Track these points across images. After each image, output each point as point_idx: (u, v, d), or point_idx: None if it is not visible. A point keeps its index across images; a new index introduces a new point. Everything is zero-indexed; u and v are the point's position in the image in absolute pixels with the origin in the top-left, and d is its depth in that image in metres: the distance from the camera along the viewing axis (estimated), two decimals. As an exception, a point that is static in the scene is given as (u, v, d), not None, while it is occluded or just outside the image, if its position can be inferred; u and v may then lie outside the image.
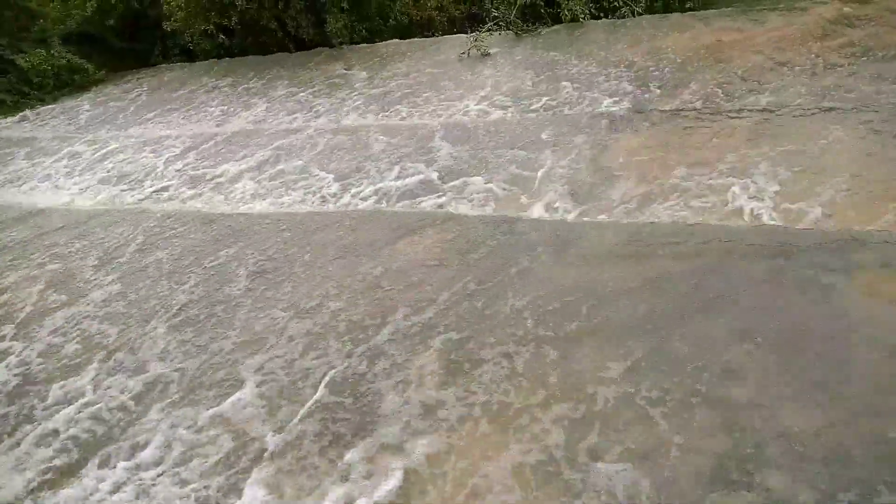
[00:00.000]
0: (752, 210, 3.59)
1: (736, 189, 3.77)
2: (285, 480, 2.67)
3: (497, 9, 7.76)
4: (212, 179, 5.82)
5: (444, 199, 4.55)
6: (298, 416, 2.97)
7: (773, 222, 3.44)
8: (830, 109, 4.30)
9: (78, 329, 3.92)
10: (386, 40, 8.57)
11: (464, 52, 7.22)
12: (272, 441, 2.86)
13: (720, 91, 4.93)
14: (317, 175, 5.40)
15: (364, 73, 7.67)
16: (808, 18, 5.71)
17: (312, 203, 4.99)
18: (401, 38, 8.53)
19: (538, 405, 2.76)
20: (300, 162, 5.70)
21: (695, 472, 2.35)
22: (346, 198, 4.93)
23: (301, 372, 3.24)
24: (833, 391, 2.49)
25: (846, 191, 3.52)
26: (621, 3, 7.15)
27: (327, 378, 3.16)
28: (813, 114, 4.28)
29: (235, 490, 2.67)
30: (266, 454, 2.81)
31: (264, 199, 5.22)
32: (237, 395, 3.16)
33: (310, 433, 2.87)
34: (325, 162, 5.58)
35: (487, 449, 2.62)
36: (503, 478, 2.49)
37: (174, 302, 4.02)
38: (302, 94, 7.51)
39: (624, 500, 2.32)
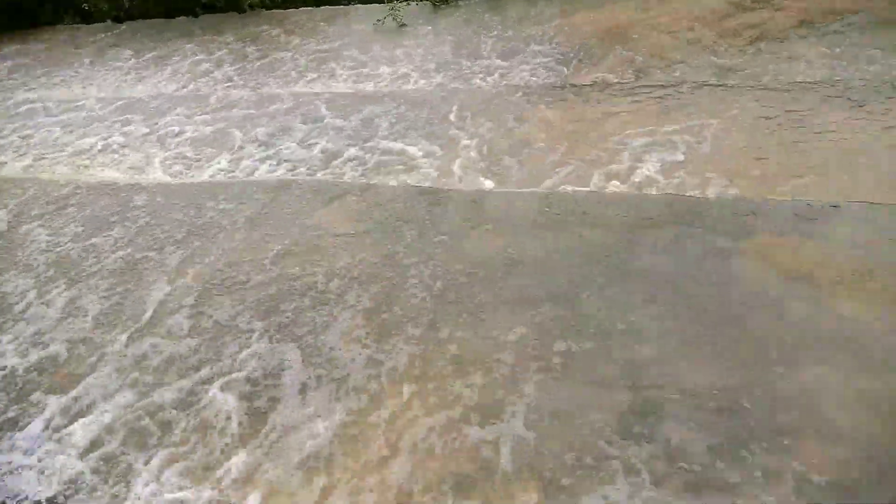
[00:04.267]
0: (659, 180, 3.75)
1: (646, 160, 3.93)
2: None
3: (415, -22, 7.67)
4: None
5: (359, 169, 4.51)
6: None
7: (679, 192, 3.61)
8: (733, 86, 4.53)
9: None
10: (299, 7, 8.30)
11: (379, 20, 7.12)
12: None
13: (632, 67, 5.09)
14: (229, 144, 5.20)
15: (277, 38, 7.42)
16: (713, 0, 5.97)
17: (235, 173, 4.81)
18: (315, 6, 8.29)
19: (450, 363, 2.82)
20: (210, 129, 5.48)
21: (600, 427, 2.48)
22: (263, 167, 4.80)
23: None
24: (726, 349, 2.67)
25: (744, 162, 3.73)
26: (539, -23, 7.23)
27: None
28: (717, 89, 4.49)
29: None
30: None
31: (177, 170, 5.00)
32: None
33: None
34: (233, 131, 5.39)
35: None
36: (418, 435, 2.54)
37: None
38: (206, 62, 7.18)
39: (532, 452, 2.42)
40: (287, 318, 3.28)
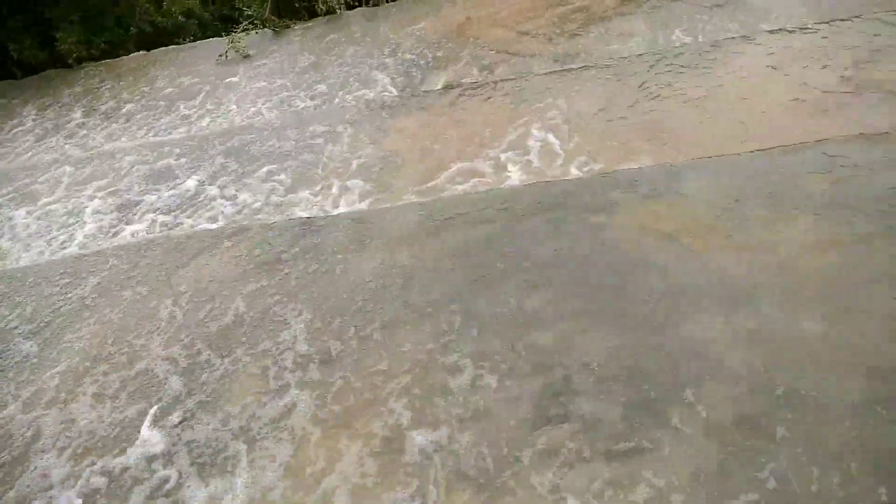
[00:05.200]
0: (525, 170, 3.90)
1: (510, 154, 4.07)
2: None
3: (249, 7, 7.50)
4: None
5: (228, 210, 4.35)
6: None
7: (546, 179, 3.76)
8: (572, 70, 4.79)
9: None
10: (132, 52, 7.87)
11: (221, 56, 6.90)
12: None
13: (476, 66, 5.26)
14: (72, 213, 4.84)
15: (110, 90, 6.99)
16: (541, -10, 6.28)
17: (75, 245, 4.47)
18: (148, 49, 7.89)
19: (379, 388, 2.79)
20: (47, 199, 5.07)
21: (518, 419, 2.54)
22: (119, 230, 4.50)
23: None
24: (617, 317, 2.82)
25: (599, 138, 3.96)
26: (374, -11, 7.31)
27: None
28: (561, 74, 4.73)
29: None
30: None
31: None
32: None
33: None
34: (77, 196, 5.03)
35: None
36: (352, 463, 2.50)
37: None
38: (33, 121, 6.65)
39: (467, 466, 2.45)
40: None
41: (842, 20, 4.37)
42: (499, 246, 3.37)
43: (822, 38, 4.26)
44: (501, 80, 4.85)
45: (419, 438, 2.58)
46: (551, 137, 4.09)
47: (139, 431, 2.92)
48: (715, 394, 2.44)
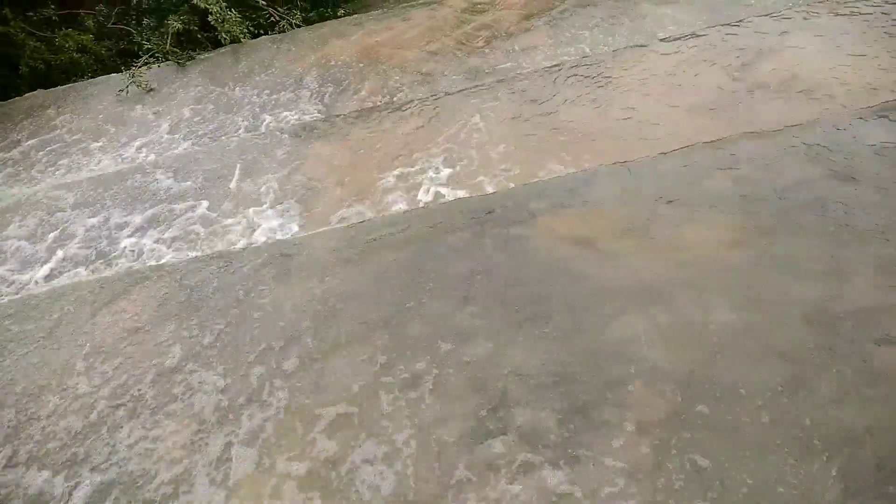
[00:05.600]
0: (444, 187, 3.93)
1: (426, 173, 4.09)
2: None
3: (149, 41, 7.25)
4: None
5: (140, 255, 4.17)
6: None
7: (464, 195, 3.80)
8: (482, 86, 4.87)
9: None
10: (23, 94, 7.45)
11: (122, 91, 6.63)
12: None
13: (387, 88, 5.28)
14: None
15: (6, 133, 6.60)
16: (445, 11, 6.38)
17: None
18: (43, 88, 7.49)
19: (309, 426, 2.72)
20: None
21: (458, 437, 2.54)
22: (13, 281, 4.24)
23: None
24: (545, 325, 2.88)
25: (514, 151, 4.04)
26: (278, 17, 7.20)
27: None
28: (471, 92, 4.81)
29: None
30: None
31: None
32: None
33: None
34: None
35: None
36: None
37: None
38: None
39: (392, 487, 2.42)
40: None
41: (729, 24, 4.65)
42: (423, 265, 3.37)
43: (712, 42, 4.51)
44: (414, 100, 4.89)
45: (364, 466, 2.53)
46: (467, 153, 4.14)
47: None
48: (644, 393, 2.52)
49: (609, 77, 4.50)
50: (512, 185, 3.76)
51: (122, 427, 3.01)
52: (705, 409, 2.41)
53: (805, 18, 4.48)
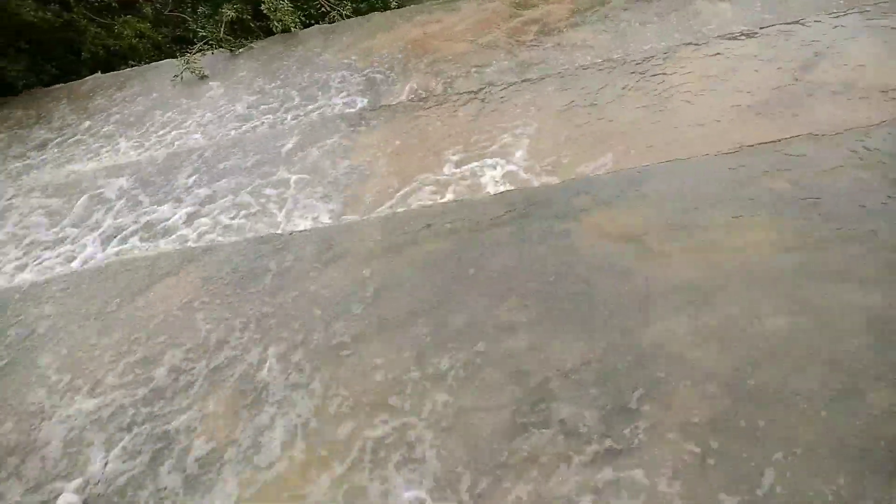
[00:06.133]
0: (490, 180, 3.93)
1: (474, 165, 4.09)
2: None
3: (203, 28, 7.42)
4: None
5: (195, 232, 4.28)
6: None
7: (510, 189, 3.80)
8: (532, 80, 4.85)
9: None
10: (84, 77, 7.70)
11: (176, 76, 6.80)
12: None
13: (437, 80, 5.29)
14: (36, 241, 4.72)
15: (66, 115, 6.83)
16: (495, 4, 6.36)
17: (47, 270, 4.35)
18: (102, 72, 7.73)
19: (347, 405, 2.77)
20: (12, 229, 4.93)
21: (496, 428, 2.55)
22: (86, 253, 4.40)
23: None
24: (587, 321, 2.86)
25: (562, 146, 4.02)
26: (329, 7, 7.28)
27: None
28: (521, 85, 4.79)
29: None
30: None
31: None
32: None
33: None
34: (39, 223, 4.90)
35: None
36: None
37: None
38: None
39: (439, 470, 2.44)
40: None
41: (787, 24, 4.53)
42: (467, 256, 3.38)
43: (770, 40, 4.40)
44: (463, 93, 4.89)
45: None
46: (516, 146, 4.13)
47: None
48: (687, 394, 2.48)
49: (662, 74, 4.43)
50: (559, 179, 3.74)
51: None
52: (749, 413, 2.36)
53: (868, 18, 4.33)
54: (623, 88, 4.38)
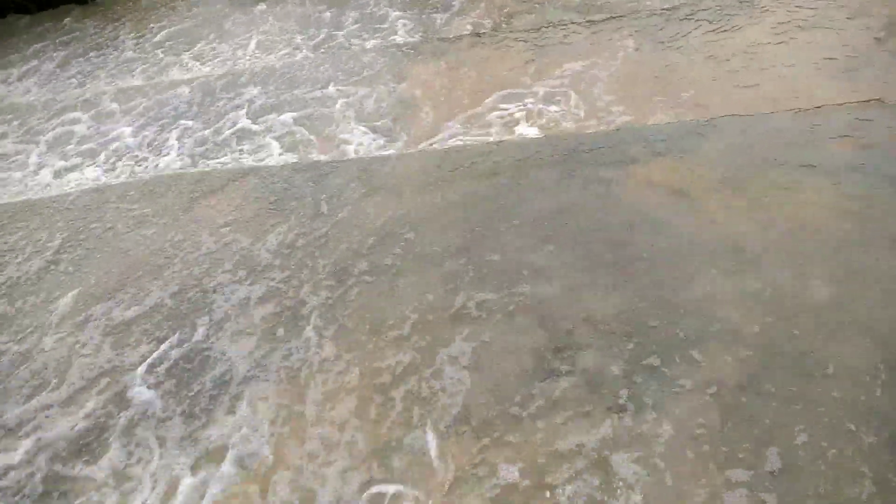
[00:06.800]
0: (539, 121, 3.81)
1: (525, 105, 3.98)
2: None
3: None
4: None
5: (243, 151, 4.31)
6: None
7: (558, 131, 3.68)
8: (593, 23, 4.64)
9: None
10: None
11: (235, -3, 6.77)
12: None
13: (495, 16, 5.10)
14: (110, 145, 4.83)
15: (133, 27, 6.89)
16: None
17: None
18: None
19: (379, 337, 2.80)
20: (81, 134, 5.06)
21: (519, 370, 2.54)
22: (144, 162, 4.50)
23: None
24: (623, 273, 2.79)
25: (618, 92, 3.86)
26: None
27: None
28: (580, 28, 4.59)
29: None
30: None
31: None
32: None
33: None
34: (116, 128, 5.01)
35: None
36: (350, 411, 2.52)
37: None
38: (51, 62, 6.58)
39: (460, 409, 2.46)
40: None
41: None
42: (507, 197, 3.32)
43: (857, -4, 4.08)
44: (521, 30, 4.72)
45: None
46: (569, 90, 3.98)
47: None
48: (720, 355, 2.41)
49: (735, 25, 4.17)
50: (612, 126, 3.60)
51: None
52: (781, 380, 2.28)
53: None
54: (691, 37, 4.15)
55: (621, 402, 2.35)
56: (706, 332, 2.49)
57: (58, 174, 4.70)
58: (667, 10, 4.51)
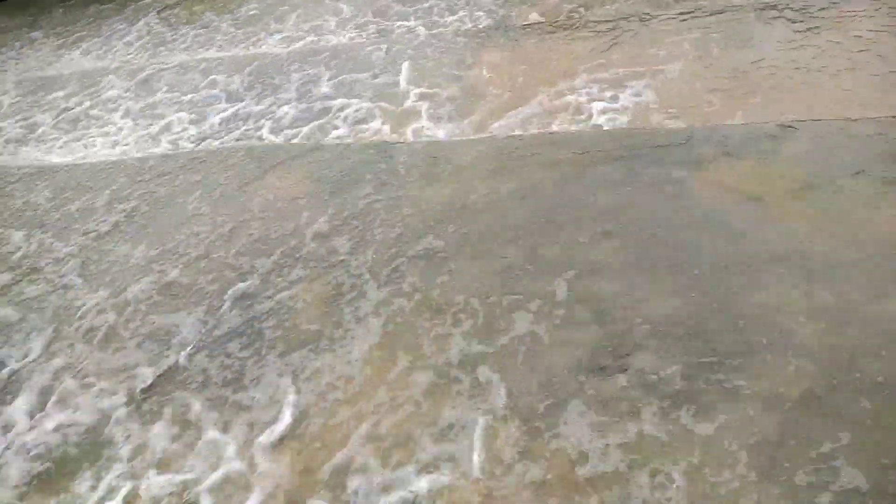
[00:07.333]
0: (610, 115, 3.74)
1: (594, 97, 3.90)
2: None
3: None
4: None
5: (311, 127, 4.38)
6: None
7: (630, 127, 3.60)
8: (670, 16, 4.51)
9: None
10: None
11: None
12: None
13: (569, 4, 5.01)
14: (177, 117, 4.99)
15: (224, 5, 7.06)
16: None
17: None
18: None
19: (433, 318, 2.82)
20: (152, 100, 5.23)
21: (571, 363, 2.51)
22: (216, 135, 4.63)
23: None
24: (687, 274, 2.72)
25: (695, 89, 3.74)
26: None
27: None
28: (656, 20, 4.47)
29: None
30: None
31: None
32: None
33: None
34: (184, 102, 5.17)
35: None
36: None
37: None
38: (120, 32, 6.80)
39: (503, 398, 2.45)
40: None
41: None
42: (569, 190, 3.27)
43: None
44: (597, 21, 4.62)
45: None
46: (642, 83, 3.89)
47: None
48: (781, 366, 2.33)
49: (819, 27, 3.98)
50: (685, 124, 3.50)
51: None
52: (844, 399, 2.19)
53: None
54: (772, 36, 3.99)
55: (674, 405, 2.30)
56: (769, 342, 2.41)
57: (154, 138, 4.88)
58: (750, 5, 4.35)
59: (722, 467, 2.11)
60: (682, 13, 4.47)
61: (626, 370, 2.44)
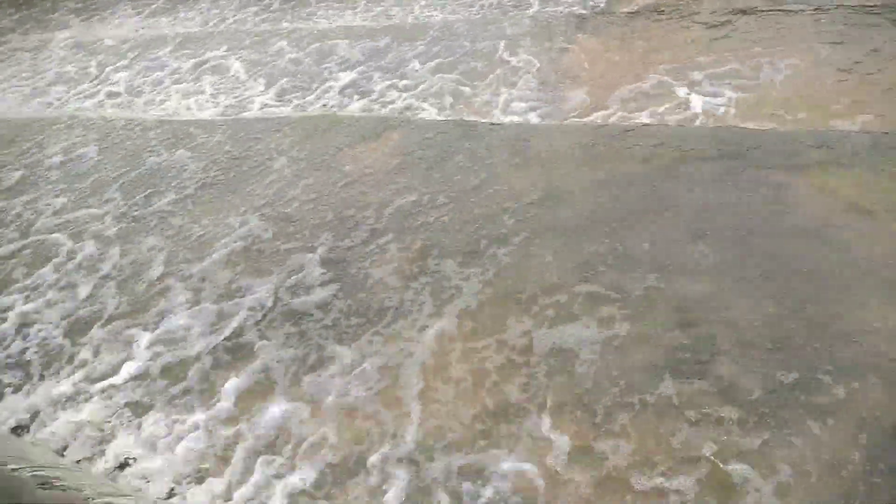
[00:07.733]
0: (707, 111, 3.60)
1: (695, 91, 3.77)
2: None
3: None
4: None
5: (401, 103, 4.42)
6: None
7: (730, 124, 3.46)
8: (785, 12, 4.28)
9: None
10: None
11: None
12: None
13: (681, -8, 4.83)
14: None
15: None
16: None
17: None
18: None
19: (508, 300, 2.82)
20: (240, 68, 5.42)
21: (649, 364, 2.46)
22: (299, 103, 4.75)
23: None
24: (781, 284, 2.60)
25: (805, 90, 3.56)
26: None
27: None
28: (770, 14, 4.25)
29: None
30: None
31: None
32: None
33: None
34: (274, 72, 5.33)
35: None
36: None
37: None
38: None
39: (588, 382, 2.43)
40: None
41: None
42: (661, 186, 3.18)
43: None
44: (703, 13, 4.44)
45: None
46: (750, 80, 3.71)
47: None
48: (874, 391, 2.20)
49: (956, 30, 3.69)
50: (790, 126, 3.33)
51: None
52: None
53: None
54: (889, 35, 3.72)
55: (751, 415, 2.22)
56: (859, 363, 2.28)
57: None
58: (868, 6, 4.06)
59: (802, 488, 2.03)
60: (797, 10, 4.23)
61: (704, 377, 2.37)
